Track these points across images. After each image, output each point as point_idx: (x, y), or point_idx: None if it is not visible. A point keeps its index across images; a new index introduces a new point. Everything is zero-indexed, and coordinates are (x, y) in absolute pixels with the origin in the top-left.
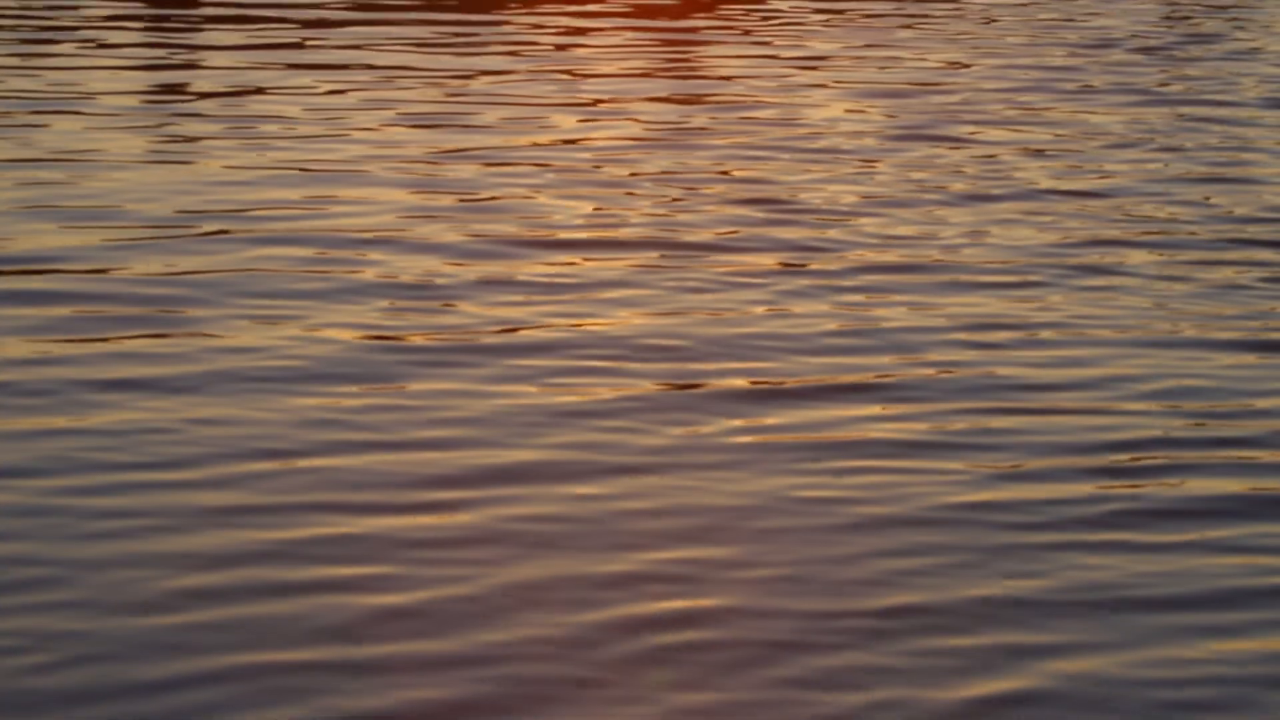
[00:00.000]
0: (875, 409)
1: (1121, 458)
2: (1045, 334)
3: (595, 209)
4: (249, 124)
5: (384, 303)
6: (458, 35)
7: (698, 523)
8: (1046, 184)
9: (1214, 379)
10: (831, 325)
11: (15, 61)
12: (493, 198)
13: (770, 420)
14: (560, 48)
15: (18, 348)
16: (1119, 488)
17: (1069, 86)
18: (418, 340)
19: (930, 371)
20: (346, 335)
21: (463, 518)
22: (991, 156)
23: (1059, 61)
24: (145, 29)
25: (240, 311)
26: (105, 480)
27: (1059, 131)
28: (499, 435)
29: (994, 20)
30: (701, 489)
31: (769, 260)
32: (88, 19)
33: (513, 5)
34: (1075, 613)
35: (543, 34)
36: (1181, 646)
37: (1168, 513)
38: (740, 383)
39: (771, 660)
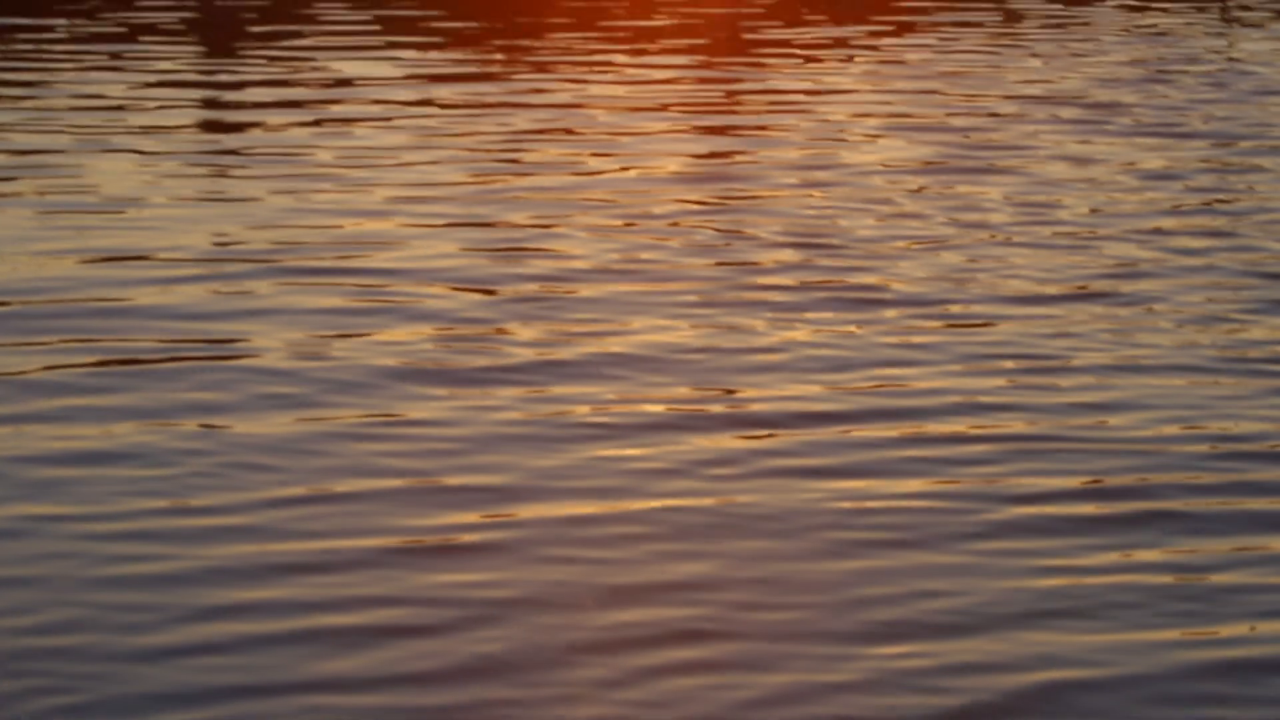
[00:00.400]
0: (890, 434)
1: (1128, 481)
2: (1070, 364)
3: (633, 244)
4: (292, 161)
5: (415, 335)
6: (497, 71)
7: (695, 546)
8: (1081, 218)
9: (1236, 407)
10: (854, 355)
11: (65, 101)
12: (532, 230)
13: (789, 446)
14: (601, 83)
15: (48, 376)
16: (1124, 512)
17: (1109, 121)
18: (446, 370)
19: (941, 399)
20: (376, 363)
21: (469, 538)
22: (1031, 191)
23: (1100, 97)
24: (195, 69)
25: (273, 345)
26: (131, 507)
27: (1098, 167)
28: (518, 462)
29: (1037, 55)
30: (702, 511)
31: (799, 291)
32: (139, 58)
33: (552, 47)
34: (1077, 629)
35: (584, 70)
36: (1171, 657)
37: (1176, 533)
38: (760, 408)
39: (765, 679)
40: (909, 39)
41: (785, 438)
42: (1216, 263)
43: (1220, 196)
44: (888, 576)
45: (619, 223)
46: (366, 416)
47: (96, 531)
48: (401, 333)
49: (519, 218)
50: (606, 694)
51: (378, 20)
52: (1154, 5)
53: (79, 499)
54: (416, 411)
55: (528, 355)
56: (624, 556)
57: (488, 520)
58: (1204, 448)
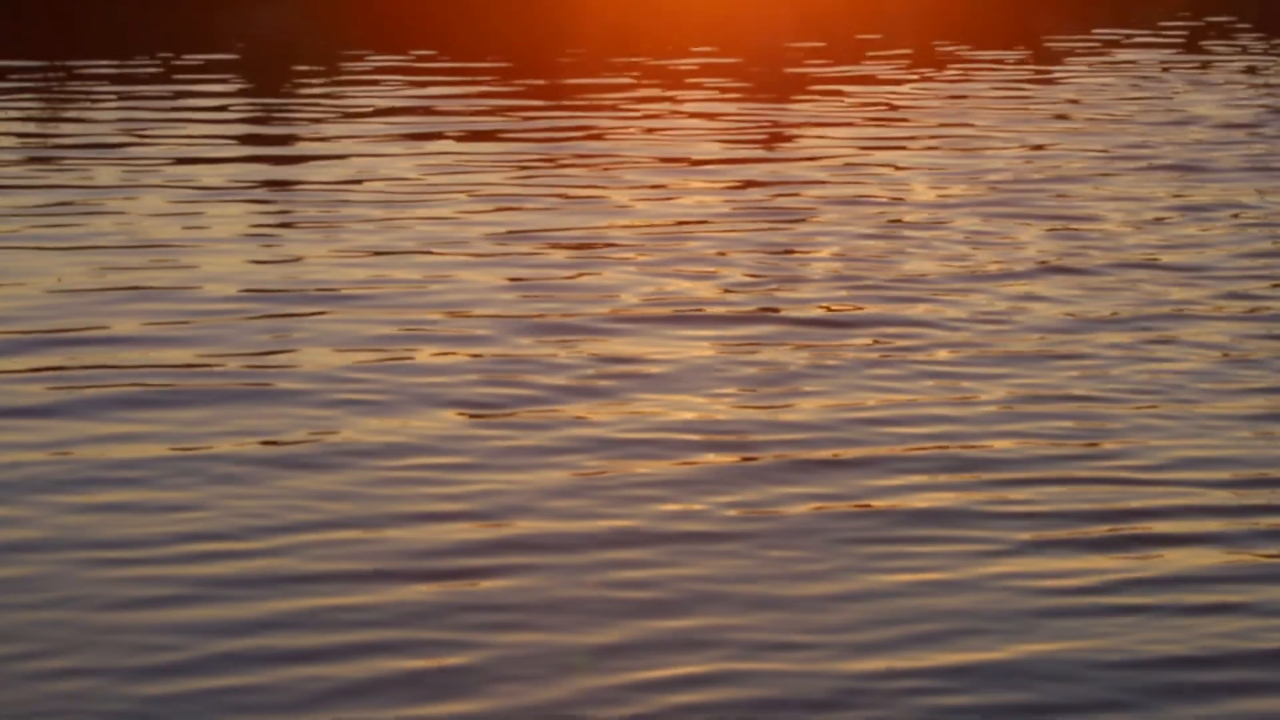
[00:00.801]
0: (915, 463)
1: (1142, 526)
2: (1098, 406)
3: (672, 276)
4: (331, 197)
5: (450, 366)
6: (536, 107)
7: (717, 589)
8: (1124, 258)
9: (1267, 438)
10: (883, 398)
11: (109, 139)
12: (572, 262)
13: (808, 490)
14: (642, 118)
15: (84, 404)
16: (1135, 556)
17: (1145, 158)
18: (483, 413)
19: (965, 428)
20: (412, 394)
21: (484, 584)
22: (1068, 226)
23: (1139, 136)
24: (236, 109)
25: (306, 377)
26: (157, 533)
27: (1134, 204)
28: (543, 503)
29: (1076, 93)
30: (712, 536)
31: (835, 334)
32: (181, 97)
33: (592, 84)
34: (1091, 675)
35: (624, 106)
36: (1193, 708)
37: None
38: (788, 454)
39: (759, 693)
40: (948, 76)
41: (800, 463)
42: (1250, 291)
43: (1256, 234)
44: (913, 599)
45: (658, 255)
46: (398, 443)
47: (119, 558)
48: (437, 364)
49: (557, 251)
50: (600, 711)
51: (416, 60)
52: (1196, 46)
53: (105, 526)
54: (441, 440)
55: (560, 386)
56: (642, 577)
57: (494, 542)
58: (1232, 474)
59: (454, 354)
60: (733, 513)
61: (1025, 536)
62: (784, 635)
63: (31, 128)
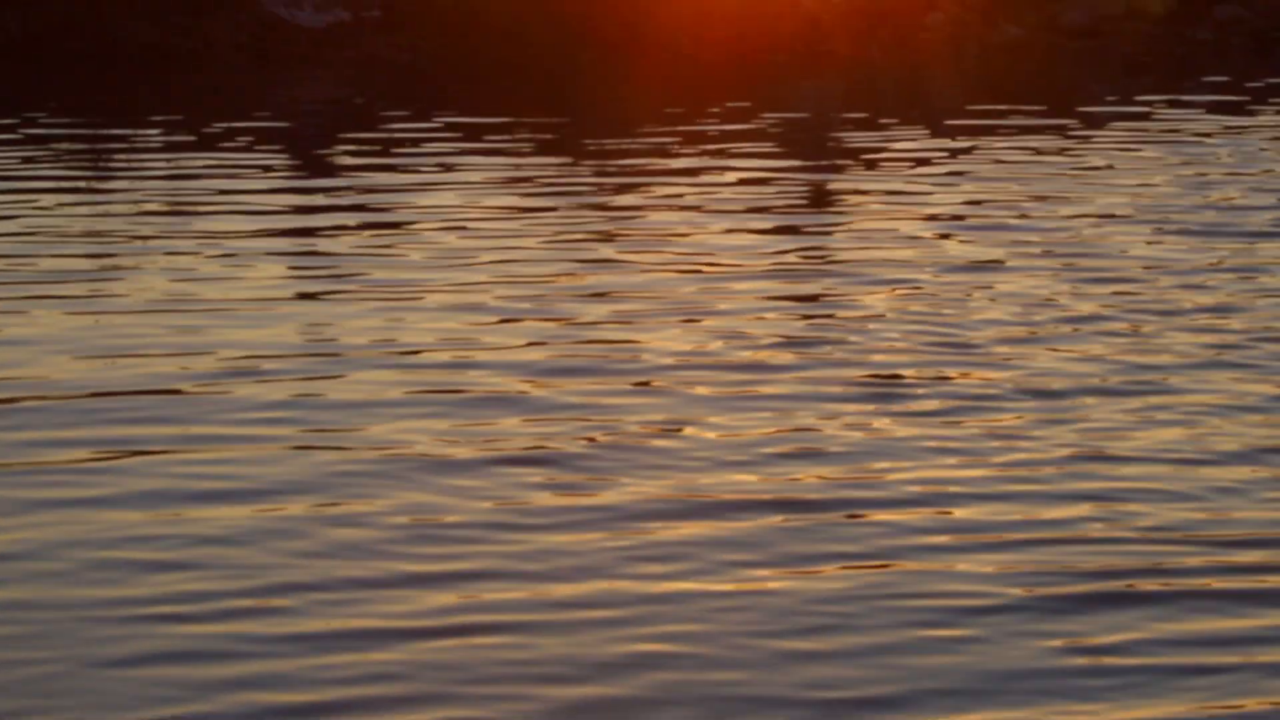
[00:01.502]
0: (921, 521)
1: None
2: (1119, 466)
3: (713, 339)
4: (371, 260)
5: (486, 433)
6: (580, 173)
7: (703, 626)
8: (1162, 318)
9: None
10: (896, 445)
11: (158, 206)
12: (614, 324)
13: (795, 525)
14: (685, 185)
15: (119, 464)
16: (1141, 592)
17: (1177, 222)
18: (515, 470)
19: (971, 489)
20: (441, 454)
21: (499, 642)
22: (1104, 288)
23: (1181, 201)
24: (279, 172)
25: (334, 434)
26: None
27: (1181, 269)
28: (567, 560)
29: (1111, 158)
30: (717, 594)
31: (843, 381)
32: (226, 165)
33: (636, 149)
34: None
35: (667, 172)
36: None
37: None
38: (796, 495)
39: None
40: (988, 140)
41: (814, 522)
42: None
43: None
44: (909, 652)
45: (698, 313)
46: (423, 501)
47: (126, 615)
48: (473, 419)
49: (597, 308)
50: None
51: (457, 122)
52: (1242, 109)
53: (133, 582)
54: (469, 498)
55: (594, 442)
56: (668, 632)
57: (514, 600)
58: (1239, 533)
59: (489, 411)
60: (734, 568)
61: (1024, 594)
62: (783, 691)
63: (79, 185)
